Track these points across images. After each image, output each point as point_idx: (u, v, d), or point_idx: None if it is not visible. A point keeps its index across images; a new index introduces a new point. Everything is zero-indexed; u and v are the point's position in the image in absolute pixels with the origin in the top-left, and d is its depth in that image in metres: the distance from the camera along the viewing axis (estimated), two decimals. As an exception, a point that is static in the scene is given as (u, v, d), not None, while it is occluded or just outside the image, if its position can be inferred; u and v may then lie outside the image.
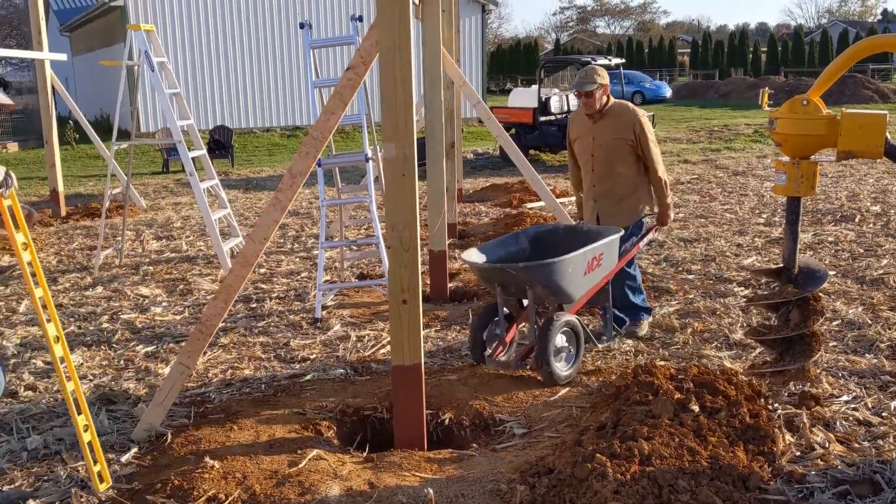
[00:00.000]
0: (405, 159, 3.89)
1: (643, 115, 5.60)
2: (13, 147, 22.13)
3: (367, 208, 11.32)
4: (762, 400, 4.32)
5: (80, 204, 12.87)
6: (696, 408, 3.92)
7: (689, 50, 57.34)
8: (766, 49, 53.16)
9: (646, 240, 5.76)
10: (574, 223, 5.82)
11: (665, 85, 39.39)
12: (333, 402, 4.70)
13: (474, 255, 5.15)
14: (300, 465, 3.81)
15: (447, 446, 4.40)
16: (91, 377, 5.38)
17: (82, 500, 3.71)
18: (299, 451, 3.98)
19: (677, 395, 4.02)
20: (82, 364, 5.66)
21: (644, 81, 37.89)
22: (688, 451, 3.52)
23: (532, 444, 4.08)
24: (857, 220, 9.79)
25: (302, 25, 6.78)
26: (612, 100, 5.62)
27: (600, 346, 5.53)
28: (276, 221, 4.20)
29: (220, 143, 18.04)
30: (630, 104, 5.68)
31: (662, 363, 5.11)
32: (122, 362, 5.70)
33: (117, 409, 4.81)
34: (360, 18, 6.88)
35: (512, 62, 50.82)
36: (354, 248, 8.13)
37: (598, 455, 3.42)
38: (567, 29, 78.56)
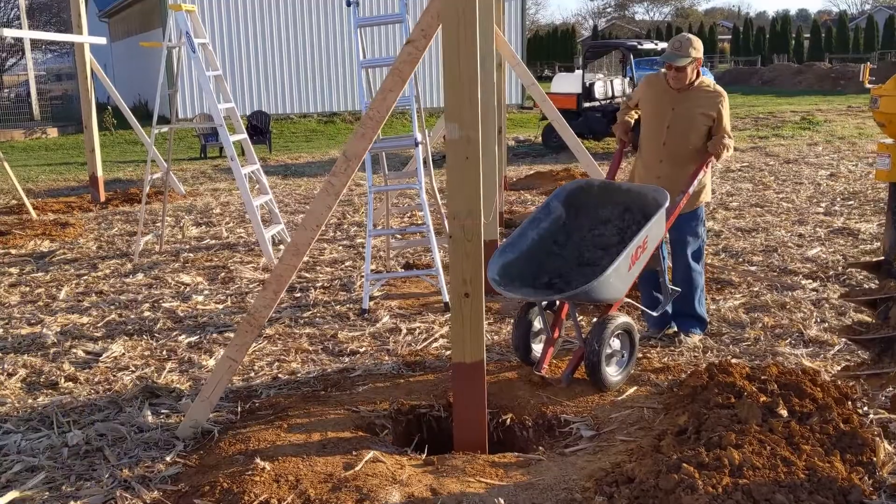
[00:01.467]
0: (469, 141, 3.61)
1: (727, 99, 5.17)
2: (53, 132, 22.16)
3: (411, 195, 11.12)
4: (850, 403, 4.00)
5: (119, 189, 12.76)
6: (784, 412, 3.60)
7: (729, 36, 56.32)
8: (808, 35, 52.02)
9: (695, 183, 5.05)
10: (608, 180, 5.20)
11: (707, 71, 38.51)
12: (387, 399, 4.45)
13: (499, 267, 4.48)
14: (356, 468, 3.56)
15: (508, 448, 4.13)
16: (133, 368, 5.18)
17: (127, 502, 3.49)
18: (354, 453, 3.73)
19: (763, 398, 3.70)
20: (124, 354, 5.46)
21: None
22: (782, 461, 3.21)
23: (604, 449, 3.79)
24: (922, 209, 9.32)
25: (349, 3, 6.51)
26: (701, 76, 5.14)
27: (654, 331, 5.19)
28: (329, 207, 3.94)
29: (257, 129, 17.86)
30: (717, 85, 5.23)
31: (736, 361, 4.80)
32: (164, 353, 5.50)
33: (161, 403, 4.60)
34: (410, -4, 6.59)
35: (549, 48, 50.23)
36: (400, 236, 7.87)
37: (684, 465, 3.12)
38: (605, 15, 77.54)
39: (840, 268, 6.92)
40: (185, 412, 4.26)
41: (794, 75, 36.75)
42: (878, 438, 3.49)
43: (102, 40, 13.13)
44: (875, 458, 3.42)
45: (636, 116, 5.46)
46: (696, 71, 5.07)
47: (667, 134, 5.13)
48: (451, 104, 3.57)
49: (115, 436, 4.16)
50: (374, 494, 3.34)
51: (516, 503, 3.27)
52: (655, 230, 4.58)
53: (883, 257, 3.70)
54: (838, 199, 10.27)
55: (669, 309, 5.28)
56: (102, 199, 11.79)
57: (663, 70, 5.13)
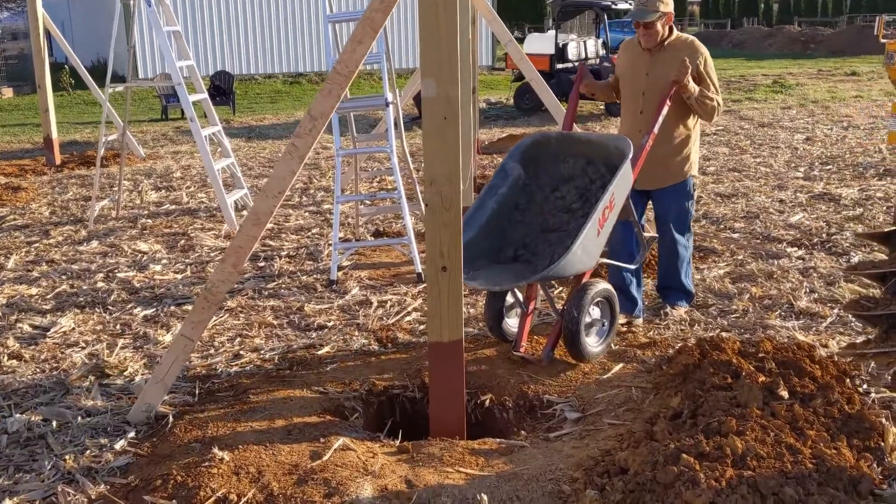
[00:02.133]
0: (448, 100, 3.28)
1: (706, 51, 4.78)
2: (8, 93, 21.33)
3: (381, 159, 10.74)
4: (849, 381, 3.77)
5: (75, 152, 12.22)
6: (785, 393, 3.36)
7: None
8: (778, -1, 51.92)
9: (659, 120, 4.54)
10: (566, 131, 4.73)
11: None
12: (357, 379, 4.14)
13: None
14: (324, 458, 3.26)
15: (487, 431, 3.85)
16: (83, 344, 4.82)
17: (69, 499, 3.16)
18: (322, 440, 3.43)
19: (762, 378, 3.45)
20: (74, 328, 5.10)
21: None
22: (787, 448, 2.96)
23: (591, 434, 3.52)
24: (902, 174, 9.16)
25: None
26: (676, 32, 4.74)
27: (625, 315, 4.82)
28: (293, 172, 3.59)
29: (220, 90, 17.26)
30: (694, 38, 4.77)
31: (726, 335, 4.55)
32: (118, 327, 5.14)
33: (112, 384, 4.25)
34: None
35: (518, 9, 49.50)
36: (369, 202, 7.52)
37: (684, 455, 2.86)
38: (574, -24, 76.68)
39: (824, 235, 6.71)
40: (137, 394, 3.92)
41: (763, 38, 36.57)
42: (885, 422, 3.26)
43: (55, -6, 12.48)
44: (883, 443, 3.19)
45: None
46: (667, 27, 4.69)
47: (643, 102, 4.73)
48: (427, 58, 3.23)
49: (61, 421, 3.82)
50: (344, 488, 3.04)
51: (499, 497, 2.99)
52: (622, 185, 4.19)
53: (894, 227, 3.45)
54: (816, 163, 10.07)
55: (639, 297, 4.95)
56: (58, 161, 11.27)
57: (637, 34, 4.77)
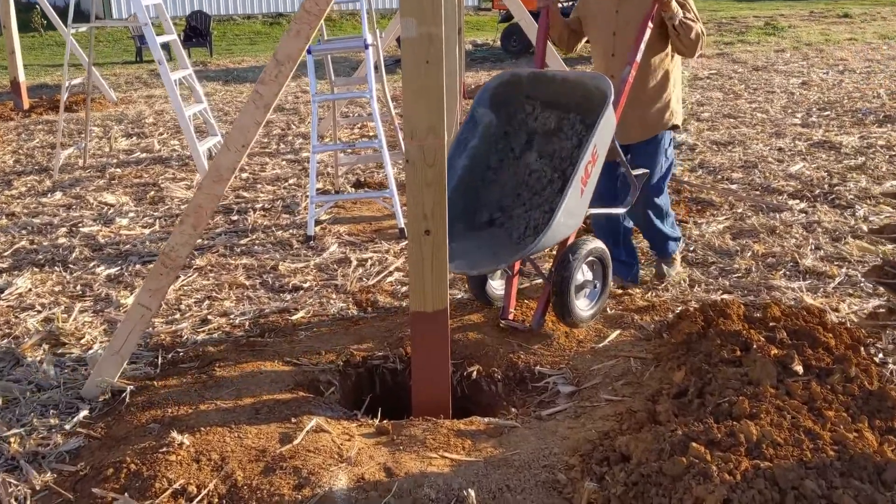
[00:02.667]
0: (430, 40, 2.91)
1: None
2: (-26, 34, 20.56)
3: (362, 104, 10.30)
4: (864, 350, 3.49)
5: (45, 96, 11.70)
6: (800, 368, 3.07)
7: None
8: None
9: (642, 48, 4.01)
10: (537, 69, 4.20)
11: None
12: (334, 348, 3.83)
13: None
14: (295, 442, 2.96)
15: (474, 405, 3.57)
16: (39, 308, 4.48)
17: (11, 490, 2.85)
18: (294, 420, 3.12)
19: (774, 351, 3.16)
20: (30, 290, 4.75)
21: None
22: (805, 433, 2.67)
23: (587, 411, 3.23)
24: (902, 121, 8.82)
25: None
26: None
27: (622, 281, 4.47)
28: (257, 123, 3.22)
29: (197, 31, 16.64)
30: None
31: (728, 297, 4.26)
32: (78, 288, 4.79)
33: (67, 354, 3.92)
34: None
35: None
36: (350, 151, 7.13)
37: (693, 444, 2.57)
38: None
39: (826, 186, 6.39)
40: (92, 367, 3.59)
41: (755, -21, 35.78)
42: (910, 400, 2.98)
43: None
44: (906, 424, 2.92)
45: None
46: None
47: (614, 43, 4.20)
48: (407, -5, 2.85)
49: (7, 396, 3.50)
50: (316, 478, 2.74)
51: (488, 487, 2.71)
52: (604, 133, 3.70)
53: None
54: (814, 109, 9.71)
55: (634, 260, 4.61)
56: (26, 106, 10.78)
57: None
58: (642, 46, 4.01)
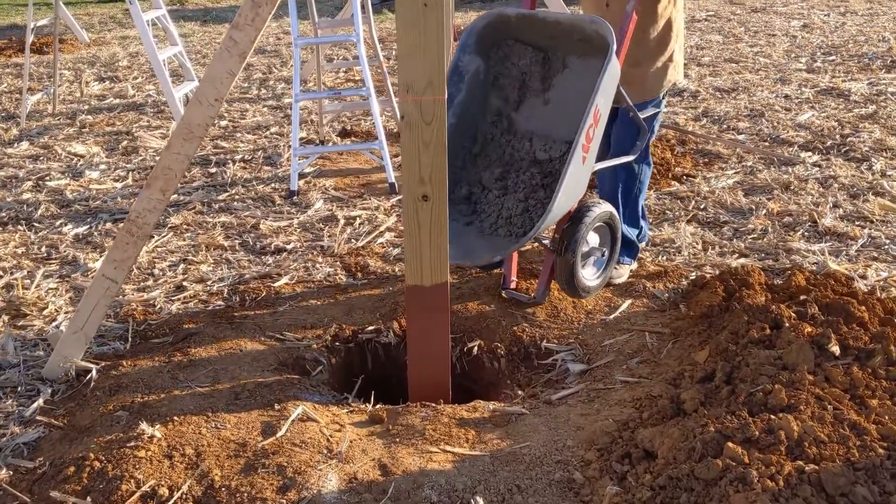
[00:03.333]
0: (430, -20, 2.53)
1: None
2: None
3: (348, 47, 9.82)
4: (897, 322, 3.21)
5: (14, 37, 11.12)
6: (836, 349, 2.78)
7: None
8: None
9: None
10: (528, 11, 3.56)
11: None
12: (321, 320, 3.51)
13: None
14: (279, 434, 2.66)
15: (476, 383, 3.29)
16: (0, 273, 4.13)
17: (-41, 491, 2.54)
18: (277, 406, 2.82)
19: (807, 329, 2.86)
20: (-9, 252, 4.39)
21: None
22: (850, 428, 2.39)
23: (601, 395, 2.94)
24: (911, 66, 8.47)
25: None
26: None
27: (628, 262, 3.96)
28: (231, 74, 2.84)
29: (173, -32, 15.94)
30: None
31: (745, 262, 3.96)
32: (43, 249, 4.43)
33: (28, 327, 3.59)
34: None
35: None
36: (334, 98, 6.71)
37: (729, 444, 2.28)
38: None
39: (838, 136, 6.06)
40: (54, 343, 3.26)
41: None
42: (958, 385, 2.70)
43: None
44: (956, 412, 2.64)
45: None
46: None
47: None
48: (402, -74, 2.46)
49: (-37, 378, 3.17)
50: (303, 479, 2.44)
51: (496, 488, 2.42)
52: (607, 87, 3.21)
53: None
54: (818, 53, 9.32)
55: (644, 235, 4.05)
56: (-7, 47, 10.25)
57: None
58: None
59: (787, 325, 2.88)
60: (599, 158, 3.55)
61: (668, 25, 3.64)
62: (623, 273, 3.85)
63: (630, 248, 3.91)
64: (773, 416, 2.39)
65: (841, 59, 8.97)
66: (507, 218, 3.45)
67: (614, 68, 3.22)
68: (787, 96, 7.35)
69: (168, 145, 2.92)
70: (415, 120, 2.67)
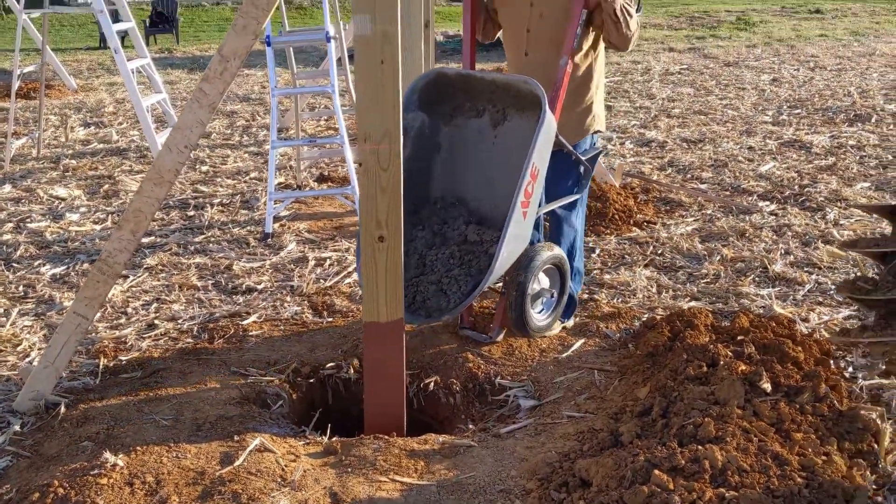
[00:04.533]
0: (385, 39, 2.74)
1: None
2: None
3: (329, 96, 10.08)
4: (833, 364, 3.39)
5: (3, 82, 11.33)
6: (768, 386, 2.95)
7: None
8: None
9: (577, 32, 3.50)
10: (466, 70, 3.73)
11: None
12: (285, 356, 3.65)
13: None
14: (237, 463, 2.79)
15: (431, 417, 3.43)
16: (-23, 311, 4.26)
17: (-73, 516, 2.66)
18: (237, 438, 2.95)
19: (741, 367, 3.03)
20: (-30, 291, 4.52)
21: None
22: (773, 459, 2.55)
23: (548, 429, 3.09)
24: (873, 120, 8.77)
25: None
26: None
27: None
28: (201, 123, 3.03)
29: (163, 17, 16.28)
30: None
31: (696, 304, 4.14)
32: (20, 288, 4.57)
33: (2, 362, 3.71)
34: None
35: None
36: (312, 145, 6.93)
37: (656, 471, 2.43)
38: None
39: (797, 186, 6.30)
40: (25, 378, 3.38)
41: (728, -27, 35.89)
42: (880, 422, 2.87)
43: None
44: (877, 446, 2.81)
45: None
46: None
47: (528, 41, 3.67)
48: (359, -11, 2.67)
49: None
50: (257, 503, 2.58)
51: (440, 514, 2.55)
52: (544, 144, 3.31)
53: (899, 199, 3.02)
54: (784, 106, 9.64)
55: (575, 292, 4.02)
56: (-19, 92, 10.43)
57: None
58: (578, 31, 3.48)
59: (722, 363, 3.05)
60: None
61: (588, 75, 3.72)
62: (555, 328, 3.85)
63: (572, 308, 3.98)
64: (700, 447, 2.55)
65: (806, 112, 9.29)
66: (423, 301, 3.47)
67: (549, 126, 3.32)
68: (750, 147, 7.62)
69: (139, 189, 3.10)
70: (372, 167, 2.86)
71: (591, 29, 3.62)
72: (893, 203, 3.09)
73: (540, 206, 3.60)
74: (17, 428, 3.14)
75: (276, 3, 2.93)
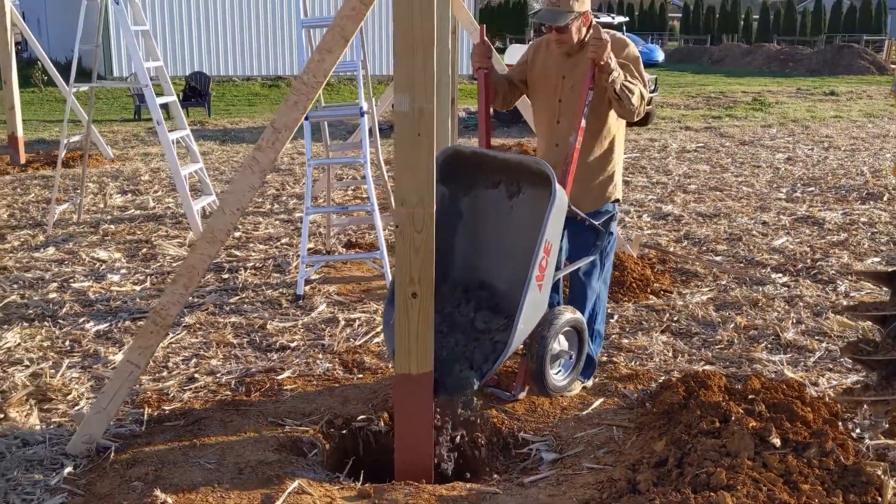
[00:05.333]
0: (422, 115, 3.03)
1: (634, 47, 3.99)
2: (-24, 87, 20.83)
3: (356, 167, 10.45)
4: (841, 425, 3.55)
5: (42, 151, 11.83)
6: (777, 441, 3.12)
7: (679, 14, 56.28)
8: (757, 17, 52.33)
9: (584, 115, 3.78)
10: (480, 149, 3.99)
11: (657, 48, 38.34)
12: (318, 409, 3.86)
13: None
14: None
15: (458, 470, 3.59)
16: (27, 363, 4.50)
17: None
18: (276, 481, 3.15)
19: (752, 423, 3.21)
20: (19, 344, 4.77)
21: (636, 45, 36.80)
22: (781, 507, 2.72)
23: (568, 479, 3.27)
24: (885, 198, 9.01)
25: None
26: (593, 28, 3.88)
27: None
28: (253, 188, 3.32)
29: (196, 91, 16.93)
30: (619, 33, 4.03)
31: (710, 368, 4.33)
32: (67, 343, 4.82)
33: (54, 409, 3.94)
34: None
35: (500, 20, 49.46)
36: (342, 213, 7.24)
37: (671, 515, 2.61)
38: (557, -13, 76.60)
39: (809, 260, 6.52)
40: (79, 423, 3.61)
41: (743, 55, 36.70)
42: (883, 476, 3.03)
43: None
44: (881, 498, 2.97)
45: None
46: (584, 27, 3.89)
47: (560, 110, 3.96)
48: (402, 71, 2.97)
49: (-7, 452, 3.51)
50: (297, 540, 2.77)
51: (468, 553, 2.73)
52: (555, 222, 3.53)
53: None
54: (798, 184, 9.92)
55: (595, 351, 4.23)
56: (22, 161, 10.89)
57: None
58: (585, 111, 3.77)
59: (733, 418, 3.24)
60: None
61: (611, 147, 4.02)
62: (574, 387, 4.04)
63: (590, 366, 4.16)
64: (712, 493, 2.73)
65: (819, 190, 9.55)
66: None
67: (560, 202, 3.54)
68: (764, 223, 7.86)
69: (193, 247, 3.37)
70: (407, 229, 3.11)
71: (610, 104, 3.90)
72: (891, 269, 3.29)
73: (558, 269, 3.83)
74: (70, 469, 3.35)
75: (325, 82, 3.24)
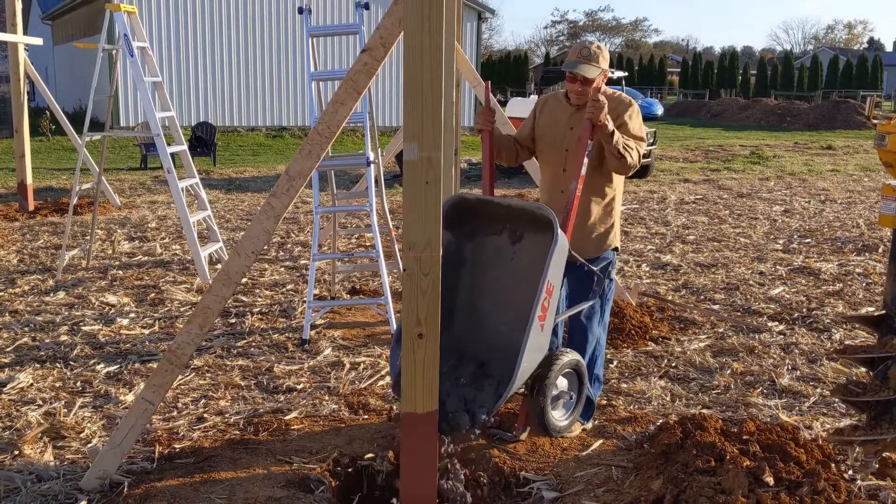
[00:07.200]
0: (430, 164, 3.18)
1: (636, 106, 4.22)
2: (-14, 136, 21.16)
3: (361, 216, 10.65)
4: (834, 466, 3.65)
5: (50, 198, 12.03)
6: (771, 479, 3.23)
7: (678, 69, 57.20)
8: (755, 72, 53.24)
9: (585, 160, 3.96)
10: (485, 196, 4.13)
11: (657, 102, 38.97)
12: (324, 448, 3.96)
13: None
14: (286, 537, 3.08)
15: (460, 508, 3.68)
16: (40, 402, 4.61)
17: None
18: (285, 516, 3.25)
19: (746, 462, 3.32)
20: (32, 384, 4.88)
21: (635, 98, 37.42)
22: (774, 541, 2.82)
23: (569, 516, 3.36)
24: (880, 250, 9.17)
25: (301, 10, 6.06)
26: (603, 87, 4.15)
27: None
28: (268, 232, 3.47)
29: (202, 141, 17.23)
30: (622, 93, 4.26)
31: (707, 412, 4.43)
32: (78, 384, 4.93)
33: (67, 447, 4.04)
34: (367, 6, 6.16)
35: (502, 73, 50.29)
36: (347, 260, 7.39)
37: (667, 547, 2.71)
38: (557, 43, 78.07)
39: (805, 310, 6.65)
40: (92, 459, 3.71)
41: (741, 110, 37.25)
42: (874, 513, 3.13)
43: (38, 41, 12.45)
44: (872, 537, 3.06)
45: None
46: (604, 82, 4.15)
47: (566, 159, 4.17)
48: (411, 122, 3.14)
49: (9, 486, 3.60)
50: (306, 571, 2.86)
51: (471, 585, 2.82)
52: (557, 264, 3.65)
53: (884, 311, 3.36)
54: (795, 236, 10.09)
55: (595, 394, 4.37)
56: (31, 207, 11.07)
57: (561, 89, 4.31)
58: (585, 161, 3.95)
59: (728, 457, 3.34)
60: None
61: (612, 198, 4.24)
62: (573, 429, 4.16)
63: (589, 408, 4.27)
64: (707, 528, 2.82)
65: (816, 241, 9.72)
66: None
67: (562, 246, 3.66)
68: (761, 273, 8.01)
69: (209, 289, 3.51)
70: (415, 272, 3.25)
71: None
72: (877, 313, 3.43)
73: (558, 312, 3.97)
74: (84, 503, 3.44)
75: (338, 132, 3.42)
